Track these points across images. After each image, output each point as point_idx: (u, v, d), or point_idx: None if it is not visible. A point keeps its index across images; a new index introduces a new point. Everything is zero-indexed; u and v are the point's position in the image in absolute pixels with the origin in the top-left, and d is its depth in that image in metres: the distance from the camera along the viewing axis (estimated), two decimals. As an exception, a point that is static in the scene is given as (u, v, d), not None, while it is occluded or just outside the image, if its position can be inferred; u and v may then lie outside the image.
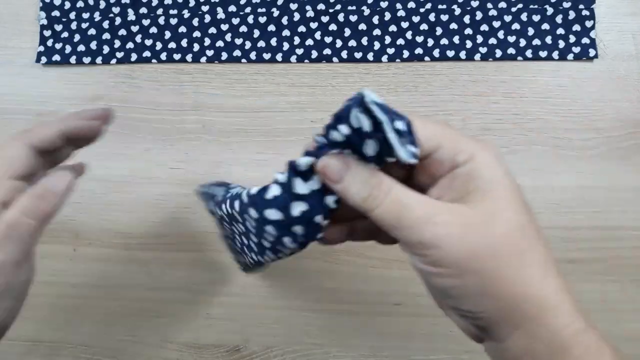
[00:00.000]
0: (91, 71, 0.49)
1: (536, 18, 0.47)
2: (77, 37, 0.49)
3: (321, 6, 0.48)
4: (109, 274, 0.47)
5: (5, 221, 0.28)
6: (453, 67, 0.48)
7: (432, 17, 0.48)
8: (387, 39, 0.48)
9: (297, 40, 0.48)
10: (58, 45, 0.49)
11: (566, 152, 0.46)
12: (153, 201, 0.47)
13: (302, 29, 0.48)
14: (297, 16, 0.48)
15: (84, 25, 0.49)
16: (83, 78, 0.49)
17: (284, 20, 0.48)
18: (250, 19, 0.48)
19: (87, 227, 0.48)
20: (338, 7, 0.48)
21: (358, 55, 0.48)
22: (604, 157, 0.46)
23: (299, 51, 0.48)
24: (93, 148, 0.49)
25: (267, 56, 0.48)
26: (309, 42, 0.48)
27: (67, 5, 0.50)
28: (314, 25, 0.48)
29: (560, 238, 0.45)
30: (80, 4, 0.50)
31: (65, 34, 0.49)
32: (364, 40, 0.48)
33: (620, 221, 0.45)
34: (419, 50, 0.48)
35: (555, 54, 0.47)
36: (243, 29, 0.48)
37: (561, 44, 0.47)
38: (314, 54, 0.48)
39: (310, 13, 0.48)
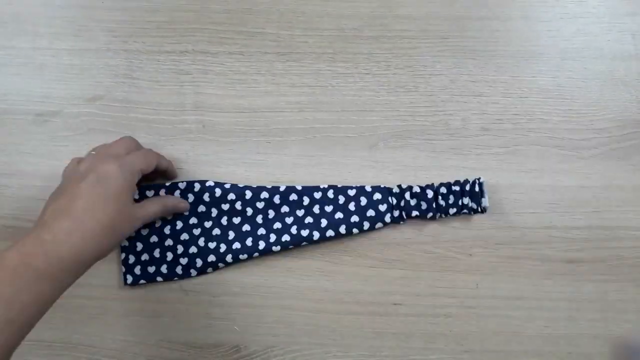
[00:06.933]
0: (91, 71, 0.49)
1: None
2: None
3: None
4: (110, 274, 0.47)
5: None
6: (453, 68, 0.48)
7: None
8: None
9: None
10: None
11: (566, 152, 0.46)
12: (153, 201, 0.47)
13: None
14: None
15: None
16: (83, 78, 0.49)
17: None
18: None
19: (87, 227, 0.47)
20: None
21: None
22: (604, 157, 0.46)
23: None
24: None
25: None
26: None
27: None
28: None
29: (560, 238, 0.45)
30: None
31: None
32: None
33: (620, 221, 0.45)
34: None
35: None
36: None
37: None
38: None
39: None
